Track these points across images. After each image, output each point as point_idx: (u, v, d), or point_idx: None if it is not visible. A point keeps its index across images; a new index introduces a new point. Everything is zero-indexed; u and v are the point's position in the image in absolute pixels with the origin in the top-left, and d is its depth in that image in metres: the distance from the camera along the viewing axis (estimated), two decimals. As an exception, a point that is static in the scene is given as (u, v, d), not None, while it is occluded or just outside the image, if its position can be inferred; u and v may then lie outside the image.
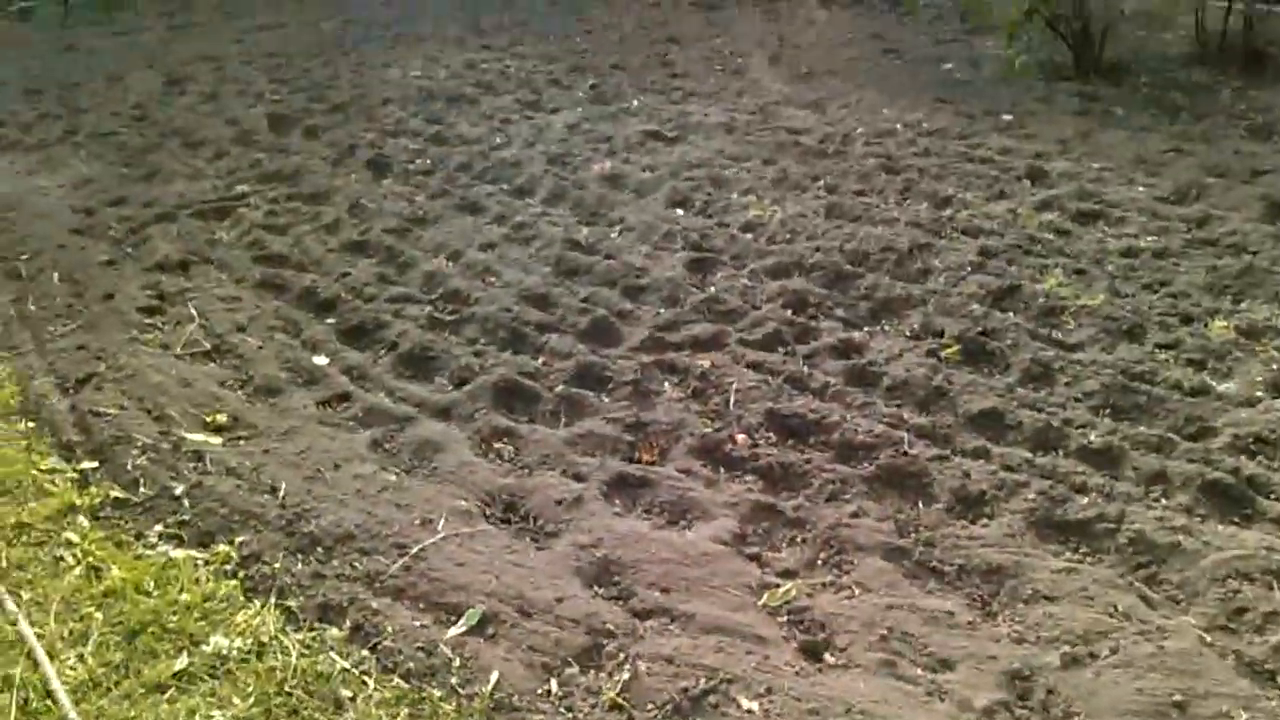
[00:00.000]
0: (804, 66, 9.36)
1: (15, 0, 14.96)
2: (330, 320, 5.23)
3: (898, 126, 7.56)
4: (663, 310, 5.10)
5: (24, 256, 6.19)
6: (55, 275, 5.88)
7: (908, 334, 4.77)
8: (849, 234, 5.70)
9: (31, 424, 4.47)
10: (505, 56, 10.37)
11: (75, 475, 4.09)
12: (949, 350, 4.54)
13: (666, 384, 4.47)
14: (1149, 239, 5.55)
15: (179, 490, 3.89)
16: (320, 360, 4.81)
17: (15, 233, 6.55)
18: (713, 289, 5.26)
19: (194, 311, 5.35)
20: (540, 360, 4.70)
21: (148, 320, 5.32)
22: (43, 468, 4.16)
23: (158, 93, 9.75)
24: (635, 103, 8.54)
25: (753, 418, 4.13)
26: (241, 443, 4.24)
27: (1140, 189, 6.26)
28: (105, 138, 8.44)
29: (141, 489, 3.93)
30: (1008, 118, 7.67)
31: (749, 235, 5.90)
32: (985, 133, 7.36)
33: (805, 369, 4.47)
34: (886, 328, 4.87)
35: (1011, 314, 4.83)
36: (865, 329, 4.86)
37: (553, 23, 11.87)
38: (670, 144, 7.51)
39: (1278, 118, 7.37)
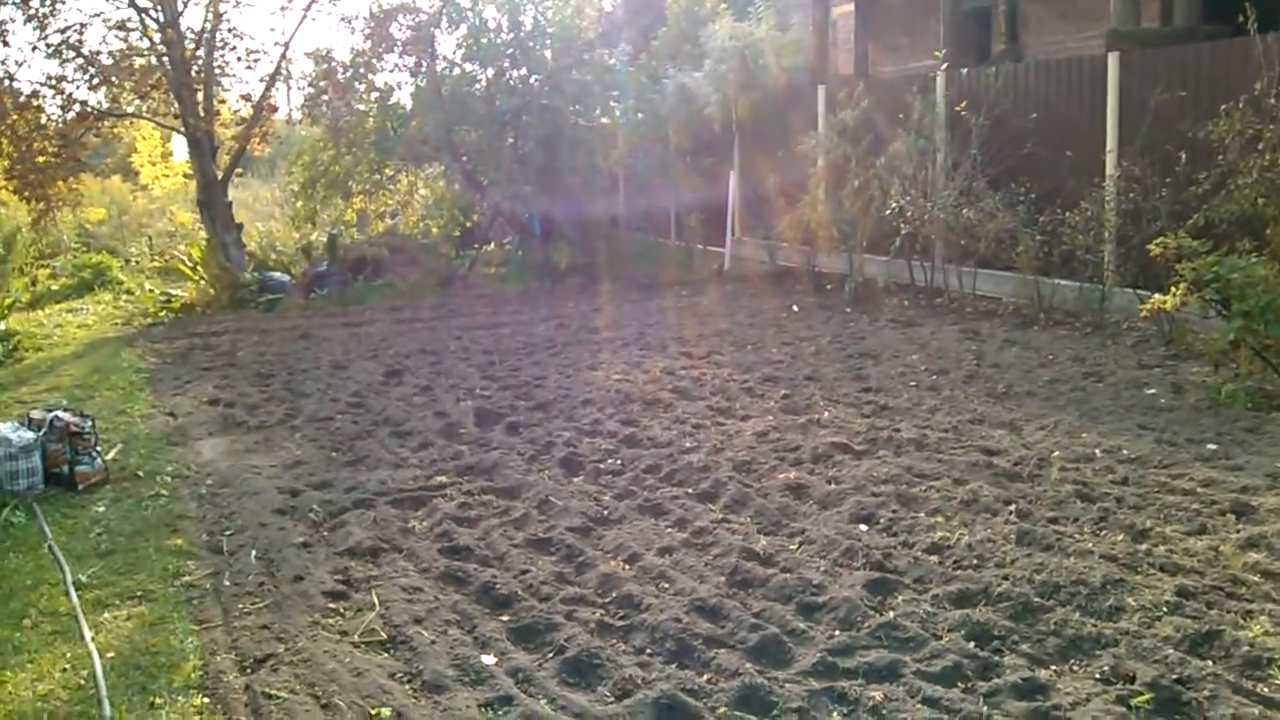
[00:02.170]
0: (1001, 386, 9.30)
1: (264, 293, 16.46)
2: (504, 618, 5.27)
3: (1096, 452, 7.36)
4: (838, 632, 4.94)
5: (228, 533, 6.55)
6: (253, 553, 6.18)
7: (1096, 677, 4.46)
8: (1039, 564, 5.47)
9: (206, 700, 4.59)
10: (703, 364, 10.70)
11: (238, 758, 4.16)
12: (1140, 699, 4.22)
13: (835, 714, 4.28)
14: (1371, 589, 5.13)
15: (334, 782, 3.89)
16: (489, 660, 4.82)
17: (224, 509, 6.97)
18: (892, 613, 5.07)
19: (376, 600, 5.49)
20: (705, 677, 4.58)
21: (331, 605, 5.49)
22: (211, 747, 4.25)
23: (377, 383, 10.41)
24: (826, 414, 8.61)
25: (924, 759, 3.90)
26: (401, 739, 4.23)
27: (1361, 532, 5.85)
28: (322, 423, 9.00)
29: (300, 777, 3.95)
30: (1213, 447, 7.37)
31: (934, 558, 5.73)
32: (1188, 463, 7.07)
33: (985, 709, 4.21)
34: (1075, 668, 4.57)
35: (1210, 662, 4.48)
36: (1052, 668, 4.58)
37: (752, 334, 12.23)
38: (858, 457, 7.48)
39: None
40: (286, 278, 17.52)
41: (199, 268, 17.29)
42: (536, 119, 17.62)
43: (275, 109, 19.73)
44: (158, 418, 9.43)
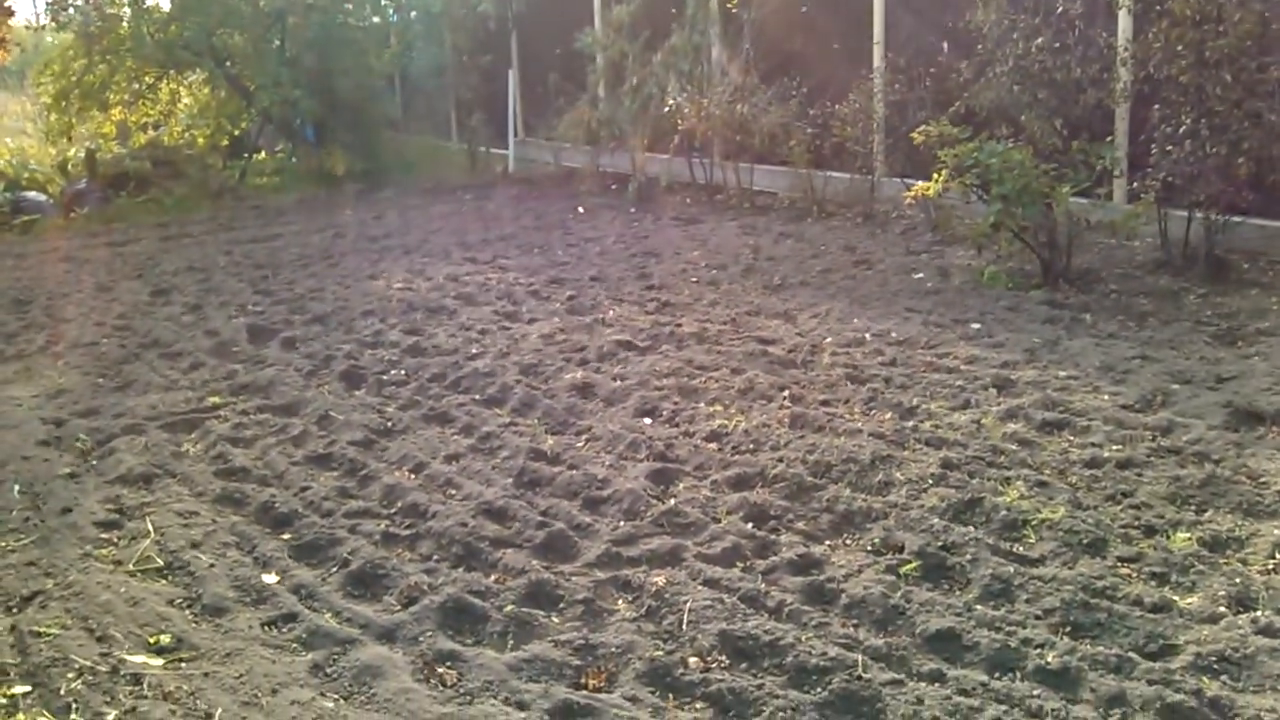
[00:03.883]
0: (777, 278, 9.54)
1: (19, 214, 15.38)
2: (285, 536, 5.15)
3: (866, 336, 7.65)
4: (622, 523, 5.04)
5: (-14, 470, 6.17)
6: (15, 488, 5.83)
7: (868, 549, 4.69)
8: (812, 445, 5.68)
9: (-32, 646, 4.35)
10: (488, 270, 10.58)
11: (5, 701, 3.96)
12: (908, 566, 4.46)
13: (620, 602, 4.37)
14: (1113, 449, 5.52)
15: (111, 718, 3.75)
16: (270, 579, 4.72)
17: (-20, 446, 6.55)
18: (673, 501, 5.20)
19: (150, 527, 5.28)
20: (492, 578, 4.60)
21: (103, 535, 5.25)
22: (-28, 694, 4.03)
23: (143, 303, 9.91)
24: (611, 313, 8.66)
25: (706, 639, 4.01)
26: (183, 665, 4.10)
27: (1106, 397, 6.28)
28: (86, 348, 8.53)
29: (73, 716, 3.79)
30: (976, 326, 7.76)
31: (713, 445, 5.89)
32: (953, 342, 7.43)
33: (763, 586, 4.37)
34: (847, 542, 4.80)
35: (972, 528, 4.76)
36: (826, 543, 4.79)
37: (537, 237, 12.16)
38: (642, 354, 7.57)
39: (1241, 324, 7.47)
40: (43, 197, 16.37)
41: (-62, 190, 15.97)
42: (304, 19, 16.87)
43: (11, 12, 18.19)
44: (-99, 352, 8.74)
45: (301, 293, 9.91)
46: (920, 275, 9.35)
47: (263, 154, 20.06)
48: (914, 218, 11.34)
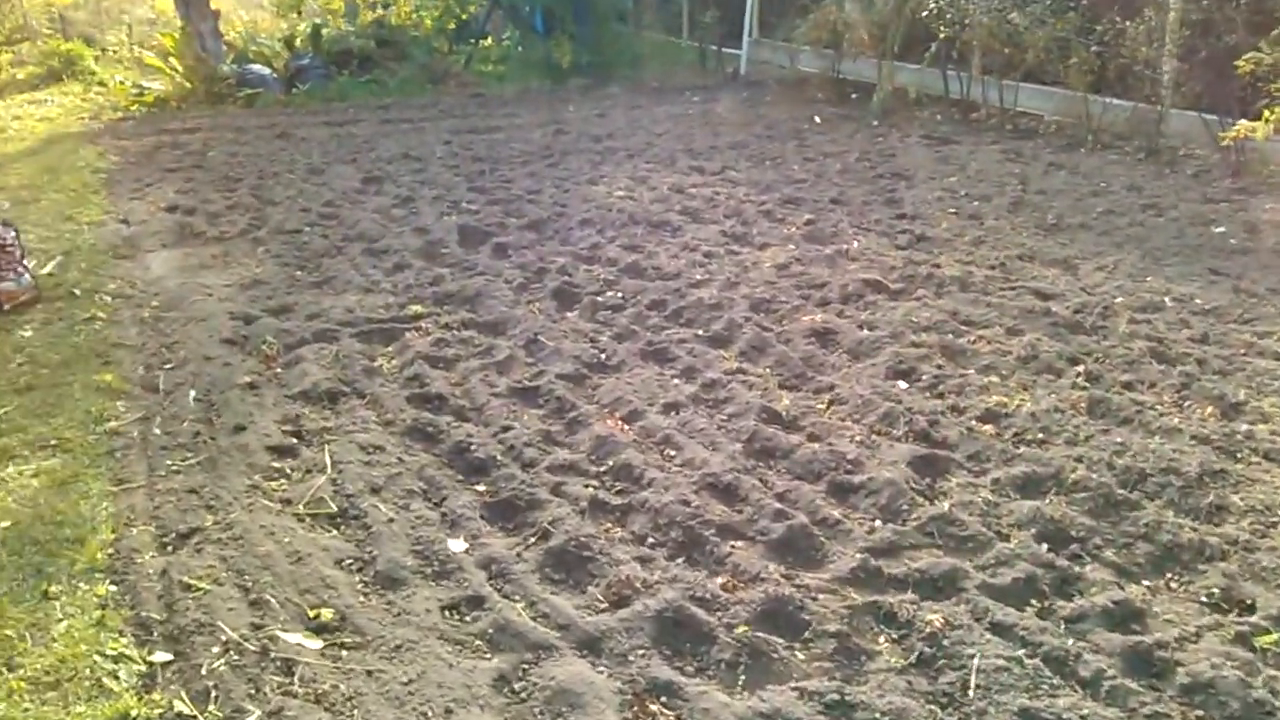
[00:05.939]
0: (1051, 217, 8.25)
1: (243, 87, 15.16)
2: (479, 488, 4.41)
3: (1166, 300, 6.41)
4: (879, 524, 4.09)
5: (167, 365, 5.67)
6: (191, 394, 5.29)
7: (1204, 599, 3.63)
8: (1120, 444, 4.58)
9: (113, 588, 3.77)
10: (716, 182, 9.60)
11: (144, 668, 3.36)
12: (1266, 638, 3.37)
13: (882, 640, 3.45)
14: None
15: (253, 717, 3.09)
16: (457, 545, 3.98)
17: (167, 336, 6.07)
18: (946, 503, 4.20)
19: (328, 460, 4.62)
20: (719, 580, 3.74)
21: (276, 464, 4.64)
22: (109, 651, 3.44)
23: (353, 191, 9.36)
24: (855, 244, 7.60)
25: (1000, 716, 3.06)
26: (343, 653, 3.41)
27: None
28: (288, 236, 8.01)
29: (211, 706, 3.15)
30: (1302, 301, 6.44)
31: (990, 428, 4.84)
32: (1273, 318, 6.13)
33: (1070, 643, 3.37)
34: (1173, 585, 3.74)
35: (1351, 590, 3.64)
36: (1145, 583, 3.74)
37: (770, 148, 11.08)
38: (894, 297, 6.54)
39: None
40: (267, 71, 16.10)
41: (171, 58, 15.88)
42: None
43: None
44: (108, 226, 8.39)
45: (518, 193, 9.14)
46: (1222, 229, 7.93)
47: (489, 40, 19.43)
48: (1207, 159, 9.80)
